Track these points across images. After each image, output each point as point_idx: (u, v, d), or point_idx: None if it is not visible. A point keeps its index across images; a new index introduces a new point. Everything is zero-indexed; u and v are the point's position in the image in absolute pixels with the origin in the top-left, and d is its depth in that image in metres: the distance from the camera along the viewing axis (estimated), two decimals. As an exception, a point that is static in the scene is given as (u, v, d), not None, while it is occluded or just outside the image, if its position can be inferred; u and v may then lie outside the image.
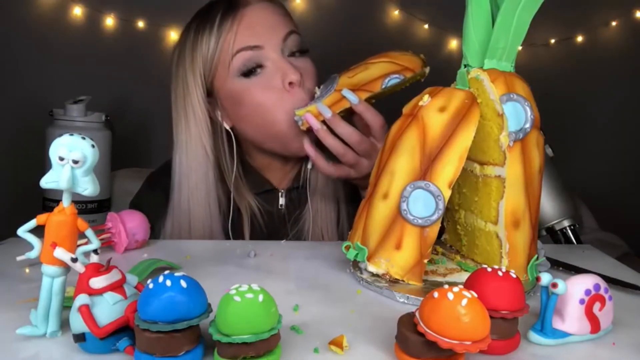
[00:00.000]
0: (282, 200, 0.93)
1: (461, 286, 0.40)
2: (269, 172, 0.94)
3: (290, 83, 0.82)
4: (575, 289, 0.46)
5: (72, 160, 0.43)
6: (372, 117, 0.79)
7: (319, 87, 0.83)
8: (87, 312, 0.40)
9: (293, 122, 0.82)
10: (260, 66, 0.83)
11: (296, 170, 0.95)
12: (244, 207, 0.89)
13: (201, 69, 0.84)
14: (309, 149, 0.81)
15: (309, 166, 0.88)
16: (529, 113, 0.56)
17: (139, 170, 1.54)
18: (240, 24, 0.83)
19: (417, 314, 0.40)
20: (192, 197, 0.85)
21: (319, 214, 0.90)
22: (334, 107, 0.78)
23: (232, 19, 0.83)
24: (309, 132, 0.80)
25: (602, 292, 0.47)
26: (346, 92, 0.78)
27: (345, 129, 0.78)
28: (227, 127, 0.88)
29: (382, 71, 0.81)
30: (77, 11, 1.76)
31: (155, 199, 0.92)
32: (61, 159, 0.43)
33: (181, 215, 0.86)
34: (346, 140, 0.79)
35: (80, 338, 0.41)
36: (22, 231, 0.44)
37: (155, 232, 0.89)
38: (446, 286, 0.40)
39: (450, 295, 0.38)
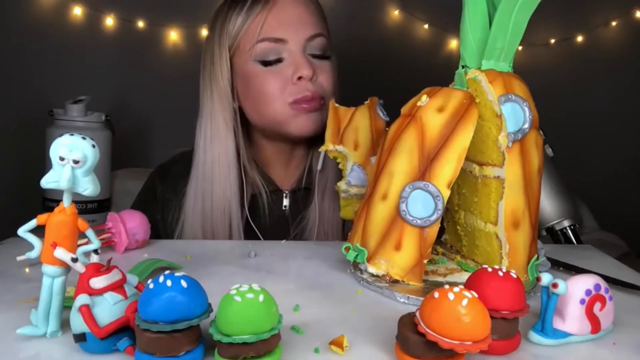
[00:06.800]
0: (286, 202, 0.94)
1: (462, 286, 0.40)
2: (273, 169, 0.95)
3: (299, 78, 0.84)
4: (575, 289, 0.46)
5: (72, 160, 0.43)
6: None
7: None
8: (87, 312, 0.40)
9: (289, 110, 0.84)
10: (279, 60, 0.85)
11: (300, 171, 0.95)
12: (249, 188, 0.90)
13: (226, 44, 0.87)
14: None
15: (319, 167, 0.88)
16: (527, 113, 0.56)
17: (138, 170, 1.54)
18: (270, 12, 0.84)
19: (417, 314, 0.40)
20: (214, 166, 0.88)
21: (325, 214, 0.90)
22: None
23: (263, 5, 0.84)
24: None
25: (602, 292, 0.47)
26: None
27: None
28: (235, 106, 0.89)
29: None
30: (77, 11, 1.76)
31: (165, 188, 0.93)
32: (62, 159, 0.43)
33: (205, 183, 0.88)
34: None
35: (80, 338, 0.41)
36: (23, 231, 0.44)
37: (169, 222, 0.90)
38: (447, 286, 0.40)
39: (451, 296, 0.38)
